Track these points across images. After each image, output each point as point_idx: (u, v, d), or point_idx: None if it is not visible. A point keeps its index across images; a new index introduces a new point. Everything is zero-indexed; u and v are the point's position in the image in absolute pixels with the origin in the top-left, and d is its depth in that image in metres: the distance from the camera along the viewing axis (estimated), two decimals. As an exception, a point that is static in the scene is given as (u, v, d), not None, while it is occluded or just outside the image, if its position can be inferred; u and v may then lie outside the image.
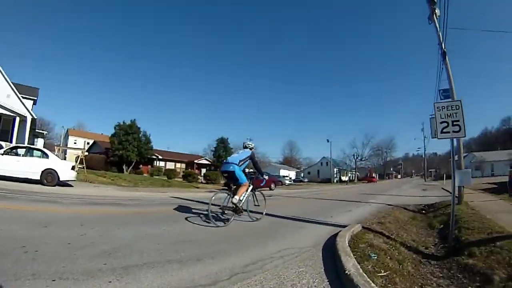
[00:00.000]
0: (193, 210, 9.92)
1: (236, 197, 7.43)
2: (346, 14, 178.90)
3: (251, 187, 8.18)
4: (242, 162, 7.75)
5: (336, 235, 6.10)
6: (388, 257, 4.94)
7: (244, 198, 7.79)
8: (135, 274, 3.76)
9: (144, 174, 40.72)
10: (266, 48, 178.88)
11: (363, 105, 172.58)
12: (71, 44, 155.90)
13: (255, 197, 8.62)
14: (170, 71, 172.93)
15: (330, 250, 5.30)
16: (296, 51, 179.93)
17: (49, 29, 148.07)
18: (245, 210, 8.22)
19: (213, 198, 7.32)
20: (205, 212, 8.14)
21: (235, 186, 7.73)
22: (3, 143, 23.32)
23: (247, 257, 4.82)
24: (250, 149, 8.27)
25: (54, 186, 13.84)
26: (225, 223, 7.45)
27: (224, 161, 8.26)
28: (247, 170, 8.52)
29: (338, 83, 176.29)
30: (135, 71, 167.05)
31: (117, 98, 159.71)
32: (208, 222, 7.40)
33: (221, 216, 7.86)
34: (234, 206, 7.50)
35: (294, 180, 63.40)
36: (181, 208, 10.60)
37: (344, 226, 7.18)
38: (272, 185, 29.44)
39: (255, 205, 8.69)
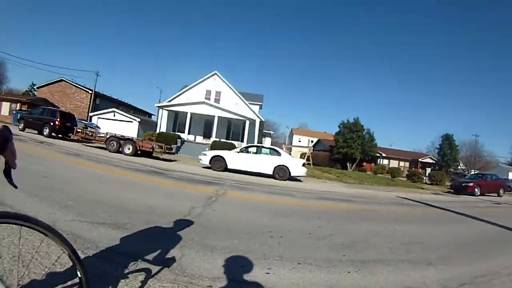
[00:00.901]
0: (420, 213, 10.09)
1: None
2: None
3: None
4: None
5: None
6: None
7: None
8: (371, 268, 3.95)
9: (368, 172, 41.12)
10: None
11: None
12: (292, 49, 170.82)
13: None
14: (395, 70, 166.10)
15: None
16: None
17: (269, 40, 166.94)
18: None
19: None
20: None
21: None
22: (235, 143, 28.24)
23: (475, 268, 4.65)
24: None
25: (285, 180, 15.61)
26: None
27: None
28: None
29: None
30: (356, 70, 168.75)
31: (339, 96, 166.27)
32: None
33: None
34: None
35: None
36: (408, 209, 10.78)
37: None
38: (501, 191, 24.02)
39: None
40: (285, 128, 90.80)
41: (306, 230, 5.54)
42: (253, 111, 33.81)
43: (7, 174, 1.17)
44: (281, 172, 15.69)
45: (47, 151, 12.86)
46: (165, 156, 20.54)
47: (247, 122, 31.80)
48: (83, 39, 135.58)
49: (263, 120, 35.67)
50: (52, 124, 22.06)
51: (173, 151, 23.59)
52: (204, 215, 5.67)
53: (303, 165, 16.81)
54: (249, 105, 34.32)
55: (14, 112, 34.24)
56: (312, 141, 68.80)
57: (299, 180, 16.99)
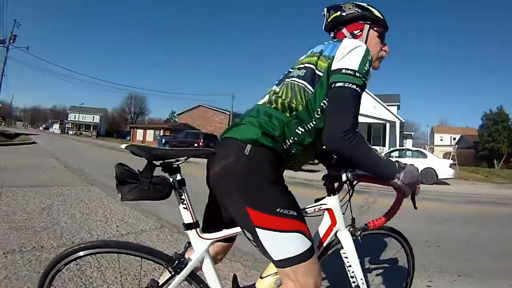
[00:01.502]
0: None
1: None
2: None
3: None
4: None
5: None
6: None
7: None
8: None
9: (519, 168, 35.48)
10: None
11: None
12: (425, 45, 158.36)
13: None
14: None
15: None
16: None
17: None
18: None
19: None
20: None
21: None
22: (377, 148, 27.32)
23: None
24: None
25: (432, 184, 14.61)
26: None
27: None
28: None
29: None
30: (495, 50, 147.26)
31: (478, 85, 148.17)
32: None
33: None
34: None
35: None
36: None
37: None
38: None
39: None
40: (425, 127, 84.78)
41: (462, 238, 5.31)
42: (392, 113, 32.34)
43: (412, 199, 1.47)
44: (428, 176, 14.76)
45: (191, 169, 12.90)
46: (308, 167, 21.11)
47: (387, 125, 30.46)
48: (218, 64, 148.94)
49: (403, 121, 33.71)
50: (196, 145, 23.76)
51: (316, 161, 24.15)
52: (359, 225, 5.88)
53: (450, 166, 15.69)
54: (386, 107, 32.94)
55: (158, 137, 38.24)
56: (454, 139, 62.74)
57: (445, 183, 15.67)
